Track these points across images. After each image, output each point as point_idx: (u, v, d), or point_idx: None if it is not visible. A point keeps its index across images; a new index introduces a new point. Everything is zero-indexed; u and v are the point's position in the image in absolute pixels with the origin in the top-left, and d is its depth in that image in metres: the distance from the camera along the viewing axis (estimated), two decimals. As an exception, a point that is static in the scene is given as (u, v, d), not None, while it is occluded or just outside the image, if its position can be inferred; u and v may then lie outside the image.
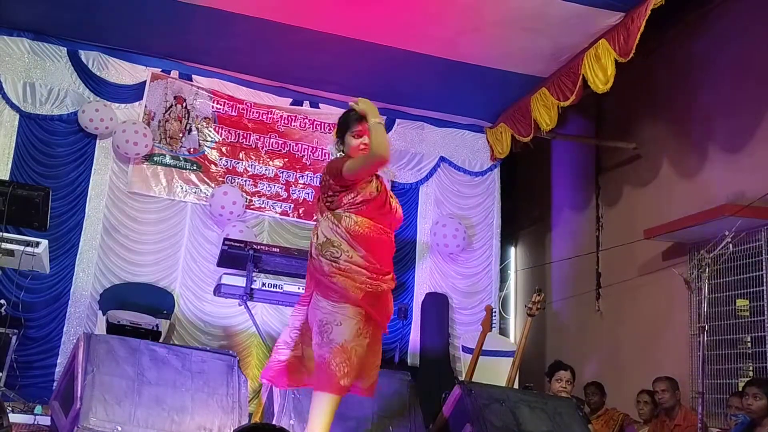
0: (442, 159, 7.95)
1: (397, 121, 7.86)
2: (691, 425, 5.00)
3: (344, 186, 3.16)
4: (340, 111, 8.74)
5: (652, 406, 5.67)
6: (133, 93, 7.14)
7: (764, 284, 5.42)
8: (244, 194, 7.19)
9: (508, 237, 8.56)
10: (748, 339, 5.60)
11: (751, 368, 5.55)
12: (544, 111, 6.78)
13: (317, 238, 3.20)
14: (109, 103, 6.95)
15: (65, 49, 6.95)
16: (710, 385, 5.60)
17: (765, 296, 5.39)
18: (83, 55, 7.00)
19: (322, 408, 3.04)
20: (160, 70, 7.24)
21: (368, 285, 3.11)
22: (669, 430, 5.30)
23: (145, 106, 7.13)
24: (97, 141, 6.94)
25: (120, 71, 7.14)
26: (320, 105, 7.70)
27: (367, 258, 3.12)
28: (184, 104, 7.26)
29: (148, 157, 7.01)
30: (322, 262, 3.13)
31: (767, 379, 5.05)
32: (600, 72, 5.97)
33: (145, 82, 7.16)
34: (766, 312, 5.37)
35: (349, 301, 3.09)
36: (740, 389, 4.97)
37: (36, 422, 4.31)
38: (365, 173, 3.16)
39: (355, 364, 3.05)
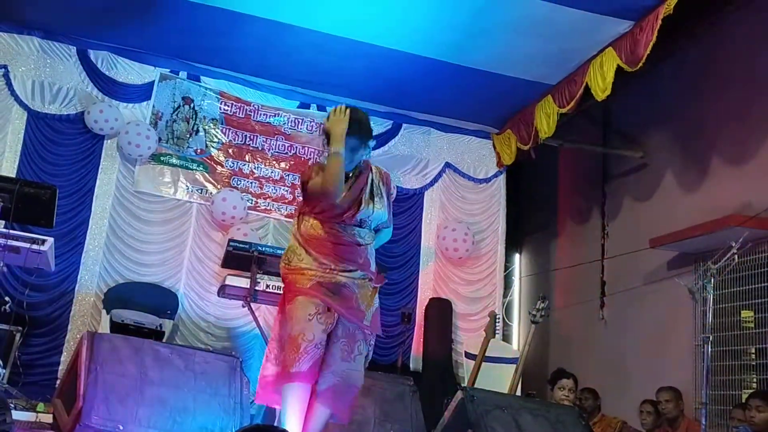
0: (448, 165, 7.95)
1: (404, 125, 7.86)
2: (694, 436, 4.98)
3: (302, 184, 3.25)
4: (348, 114, 8.63)
5: (655, 417, 5.64)
6: (141, 93, 7.17)
7: (770, 295, 5.40)
8: (250, 195, 7.20)
9: (513, 243, 8.54)
10: (753, 350, 5.58)
11: (754, 380, 5.52)
12: (545, 119, 6.78)
13: None
14: (114, 103, 6.97)
15: (74, 48, 6.98)
16: (713, 396, 5.57)
17: (770, 308, 5.37)
18: (92, 54, 7.03)
19: (285, 401, 3.01)
20: (168, 70, 7.27)
21: (319, 276, 3.10)
22: (671, 441, 5.28)
23: (153, 106, 7.15)
24: (105, 141, 6.97)
25: (129, 71, 7.16)
26: (327, 108, 7.71)
27: (318, 259, 3.12)
28: (192, 105, 7.28)
29: (155, 157, 7.03)
30: (281, 268, 3.23)
31: (771, 391, 5.04)
32: (600, 79, 5.98)
33: (153, 82, 7.18)
34: (771, 323, 5.35)
35: (299, 294, 3.09)
36: (743, 401, 4.95)
37: (38, 419, 4.31)
38: (316, 201, 3.17)
39: (306, 348, 2.98)
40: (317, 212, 3.19)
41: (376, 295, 3.28)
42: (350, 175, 3.23)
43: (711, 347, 4.24)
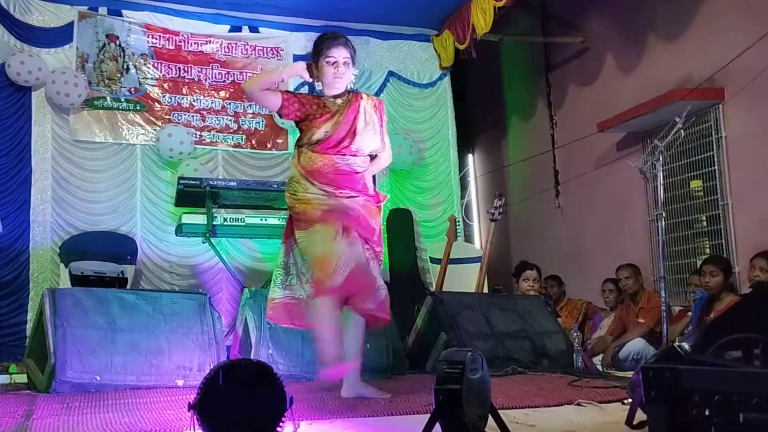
0: (391, 73, 7.81)
1: (341, 38, 7.64)
2: (655, 307, 5.20)
3: (293, 121, 3.36)
4: (282, 34, 8.48)
5: (617, 294, 5.88)
6: (61, 36, 6.78)
7: (716, 163, 5.56)
8: (193, 130, 7.01)
9: (464, 145, 8.57)
10: (704, 218, 5.79)
11: (707, 245, 5.75)
12: (481, 14, 6.66)
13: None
14: (35, 51, 6.61)
15: (-18, -4, 6.55)
16: (671, 267, 5.81)
17: (717, 175, 5.54)
18: (3, 0, 6.59)
19: (315, 313, 3.14)
20: (87, 8, 6.87)
21: (325, 205, 3.21)
22: (634, 314, 5.51)
23: (77, 49, 6.80)
24: (32, 92, 6.64)
25: (44, 14, 6.75)
26: (260, 29, 7.44)
27: (322, 188, 3.24)
28: (117, 42, 6.95)
29: (88, 102, 6.75)
30: (287, 198, 3.32)
31: (722, 256, 5.26)
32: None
33: (72, 22, 6.79)
34: (719, 190, 5.53)
35: (316, 221, 3.20)
36: (698, 267, 5.17)
37: (13, 381, 4.29)
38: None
39: (338, 265, 3.10)
40: (314, 143, 3.27)
41: (380, 214, 3.42)
42: (339, 104, 3.31)
43: (664, 221, 4.37)
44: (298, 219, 3.28)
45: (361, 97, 3.37)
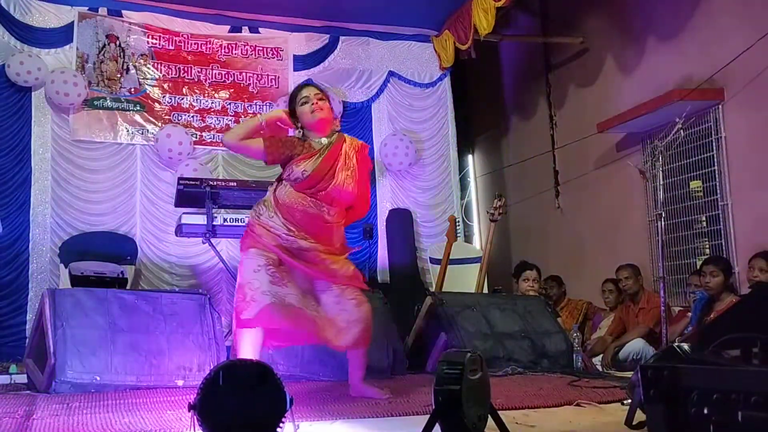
0: (391, 74, 7.81)
1: (341, 38, 7.64)
2: (655, 307, 5.20)
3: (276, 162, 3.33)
4: (283, 34, 8.48)
5: (617, 294, 5.88)
6: (61, 36, 6.78)
7: (716, 164, 5.56)
8: (193, 130, 7.01)
9: (464, 145, 8.57)
10: (703, 218, 5.79)
11: (707, 246, 5.75)
12: (483, 15, 6.65)
13: None
14: (35, 51, 6.61)
15: (-18, -3, 6.54)
16: (670, 267, 5.81)
17: (717, 175, 5.54)
18: (3, 1, 6.59)
19: (239, 345, 3.13)
20: (87, 8, 6.87)
21: (282, 239, 3.20)
22: (634, 314, 5.51)
23: (77, 49, 6.80)
24: (32, 92, 6.64)
25: (44, 14, 6.75)
26: (260, 29, 7.43)
27: (285, 224, 3.21)
28: (117, 42, 6.94)
29: (88, 102, 6.75)
30: (251, 214, 3.31)
31: (722, 256, 5.26)
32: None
33: (72, 23, 6.79)
34: (718, 191, 5.53)
35: (252, 246, 3.19)
36: (698, 268, 5.17)
37: (13, 381, 4.29)
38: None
39: (253, 297, 3.08)
40: (293, 180, 3.24)
41: (346, 258, 3.36)
42: (323, 144, 3.29)
43: (664, 221, 4.37)
44: (247, 237, 3.26)
45: (344, 141, 3.35)
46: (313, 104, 3.26)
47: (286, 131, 3.42)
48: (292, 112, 3.34)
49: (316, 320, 3.18)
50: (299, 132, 3.31)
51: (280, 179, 3.33)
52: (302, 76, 7.31)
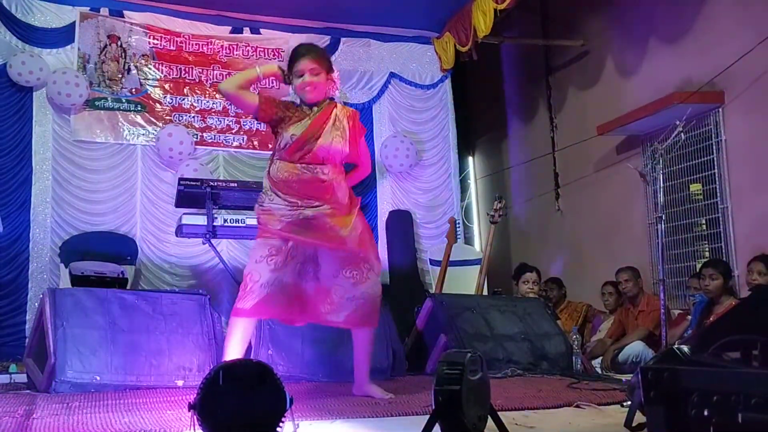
0: (392, 75, 7.82)
1: (342, 40, 7.65)
2: (655, 309, 5.20)
3: (268, 125, 3.42)
4: (283, 35, 8.48)
5: (617, 296, 5.88)
6: (63, 36, 6.79)
7: (716, 167, 5.56)
8: (194, 131, 7.02)
9: (465, 147, 8.58)
10: (703, 221, 5.79)
11: (707, 249, 5.75)
12: (482, 16, 6.67)
13: None
14: (37, 51, 6.62)
15: (-16, -4, 6.55)
16: (670, 270, 5.81)
17: (717, 178, 5.55)
18: (4, 0, 6.60)
19: (228, 332, 3.23)
20: (88, 8, 6.87)
21: (287, 216, 3.23)
22: (634, 317, 5.51)
23: (78, 49, 6.80)
24: (33, 92, 6.65)
25: (46, 14, 6.76)
26: (261, 30, 7.44)
27: (286, 199, 3.25)
28: (118, 43, 6.95)
29: (90, 103, 6.76)
30: (255, 209, 3.37)
31: (721, 259, 5.26)
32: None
33: (74, 23, 6.79)
34: (718, 194, 5.53)
35: (264, 234, 3.26)
36: (698, 271, 5.17)
37: (12, 380, 4.29)
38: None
39: (252, 288, 3.17)
40: (282, 148, 3.28)
41: (355, 217, 3.35)
42: (314, 111, 3.34)
43: (664, 224, 4.37)
44: (258, 228, 3.34)
45: (335, 106, 3.40)
46: (306, 81, 3.31)
47: (278, 86, 3.51)
48: (289, 71, 3.37)
49: (309, 299, 3.29)
50: (292, 94, 3.40)
51: (272, 156, 3.38)
52: (303, 77, 7.30)
